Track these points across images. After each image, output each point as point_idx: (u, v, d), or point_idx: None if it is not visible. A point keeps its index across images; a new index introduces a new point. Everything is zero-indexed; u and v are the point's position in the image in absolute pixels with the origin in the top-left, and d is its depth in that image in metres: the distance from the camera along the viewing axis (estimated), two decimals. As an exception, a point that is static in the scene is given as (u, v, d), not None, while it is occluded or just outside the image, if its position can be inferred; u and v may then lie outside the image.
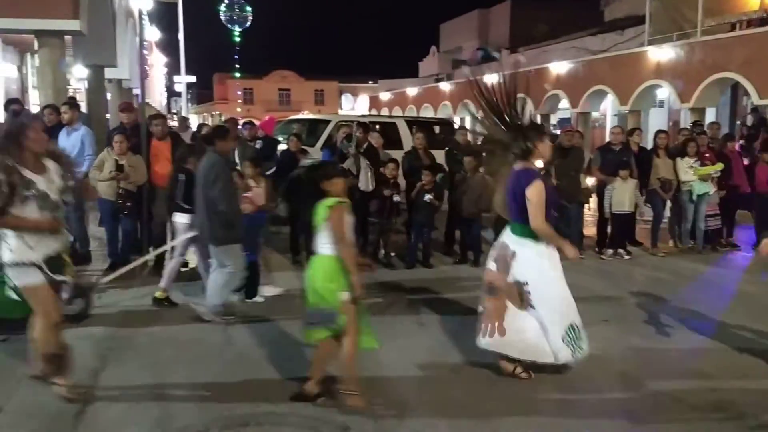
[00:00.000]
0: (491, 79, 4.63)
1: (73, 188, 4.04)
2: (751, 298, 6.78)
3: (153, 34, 29.77)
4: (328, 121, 12.95)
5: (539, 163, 4.55)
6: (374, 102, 47.88)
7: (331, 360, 4.07)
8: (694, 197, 8.81)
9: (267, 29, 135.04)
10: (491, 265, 4.59)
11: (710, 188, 8.80)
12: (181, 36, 27.18)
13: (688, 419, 3.98)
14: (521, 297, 4.40)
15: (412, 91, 41.58)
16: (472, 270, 7.86)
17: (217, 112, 58.78)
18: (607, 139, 10.84)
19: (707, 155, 8.98)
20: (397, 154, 9.25)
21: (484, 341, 4.51)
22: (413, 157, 8.76)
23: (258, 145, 8.54)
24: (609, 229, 8.86)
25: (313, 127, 13.15)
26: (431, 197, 7.90)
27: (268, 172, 8.09)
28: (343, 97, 60.92)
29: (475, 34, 43.97)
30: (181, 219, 6.11)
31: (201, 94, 67.31)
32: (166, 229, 7.78)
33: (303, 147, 8.88)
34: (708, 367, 4.81)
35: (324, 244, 3.95)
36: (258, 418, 3.91)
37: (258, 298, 6.33)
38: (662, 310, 6.27)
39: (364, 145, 8.73)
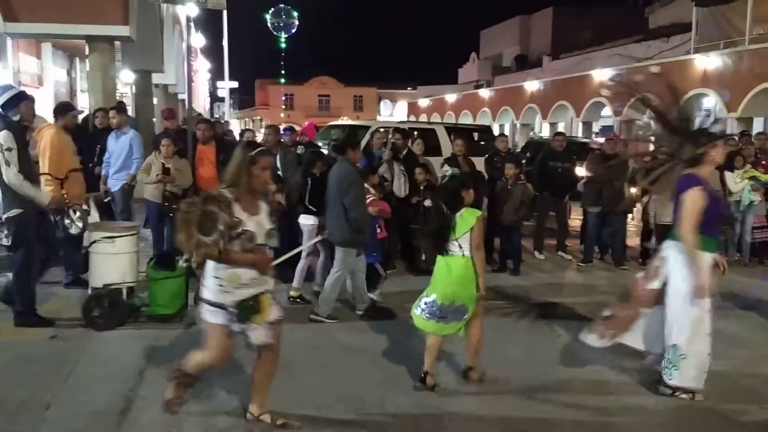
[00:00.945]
0: (652, 79, 4.48)
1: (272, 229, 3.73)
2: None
3: (198, 40, 30.40)
4: (367, 127, 13.01)
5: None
6: (413, 108, 47.93)
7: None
8: (742, 207, 8.58)
9: (308, 36, 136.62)
10: (640, 273, 4.71)
11: (756, 198, 8.58)
12: (225, 42, 27.68)
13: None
14: (655, 299, 4.42)
15: (451, 97, 41.49)
16: (511, 278, 7.80)
17: (258, 118, 59.63)
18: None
19: (764, 163, 8.78)
20: (437, 161, 9.24)
21: (591, 338, 4.66)
22: (452, 164, 8.74)
23: (300, 150, 8.62)
24: (653, 240, 8.68)
25: (353, 132, 13.23)
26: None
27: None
28: (381, 104, 61.10)
29: (516, 40, 43.69)
30: (306, 221, 6.58)
31: (243, 99, 68.45)
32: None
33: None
34: (750, 378, 4.68)
35: (462, 249, 4.33)
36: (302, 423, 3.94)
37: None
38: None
39: (404, 152, 8.75)
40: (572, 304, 6.80)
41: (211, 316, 3.58)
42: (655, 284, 4.41)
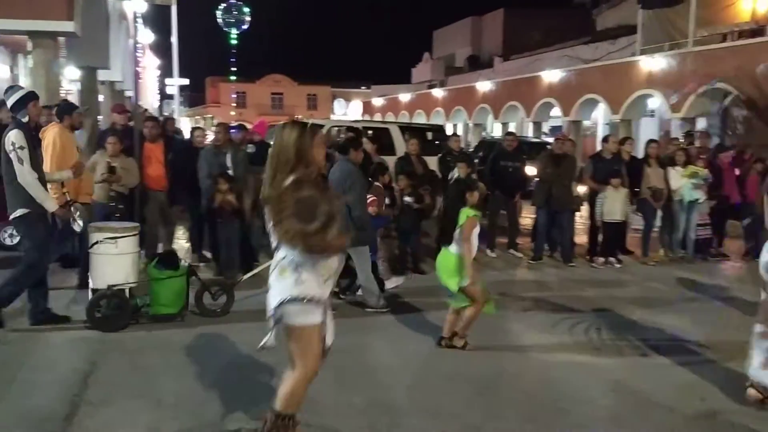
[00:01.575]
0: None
1: None
2: (740, 307, 6.81)
3: (147, 36, 29.65)
4: (320, 126, 12.93)
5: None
6: (367, 107, 47.98)
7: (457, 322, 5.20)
8: (685, 203, 8.87)
9: (260, 33, 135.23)
10: None
11: (700, 195, 8.85)
12: (174, 39, 27.08)
13: (676, 428, 4.00)
14: None
15: (405, 97, 41.68)
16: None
17: (210, 116, 58.68)
18: (599, 148, 10.90)
19: (702, 158, 9.08)
20: (391, 160, 9.26)
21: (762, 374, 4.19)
22: (406, 163, 8.77)
23: (250, 149, 8.52)
24: (600, 238, 8.90)
25: (353, 133, 13.10)
26: (411, 200, 7.88)
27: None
28: (335, 102, 60.99)
29: (468, 41, 44.17)
30: None
31: (193, 97, 67.18)
32: (158, 232, 7.76)
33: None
34: (696, 376, 4.84)
35: (453, 244, 5.00)
36: (252, 425, 3.89)
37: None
38: (652, 319, 6.30)
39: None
40: (522, 299, 6.94)
41: (308, 317, 3.12)
42: None
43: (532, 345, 5.48)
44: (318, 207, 3.03)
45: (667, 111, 20.47)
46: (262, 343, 3.26)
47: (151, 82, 37.96)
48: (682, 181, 8.82)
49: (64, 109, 6.45)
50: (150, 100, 35.80)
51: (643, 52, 22.12)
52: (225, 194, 7.02)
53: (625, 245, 9.33)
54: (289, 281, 3.10)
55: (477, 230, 5.10)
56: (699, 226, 9.11)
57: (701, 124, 19.91)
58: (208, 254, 7.89)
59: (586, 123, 26.08)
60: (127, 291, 5.57)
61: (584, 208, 9.58)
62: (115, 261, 5.49)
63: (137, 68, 10.69)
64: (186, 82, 37.75)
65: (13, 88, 5.56)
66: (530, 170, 10.05)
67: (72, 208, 5.74)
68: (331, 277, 3.21)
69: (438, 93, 37.47)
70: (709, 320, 6.36)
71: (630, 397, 4.43)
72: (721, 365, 5.01)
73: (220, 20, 29.51)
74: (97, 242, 5.49)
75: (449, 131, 20.68)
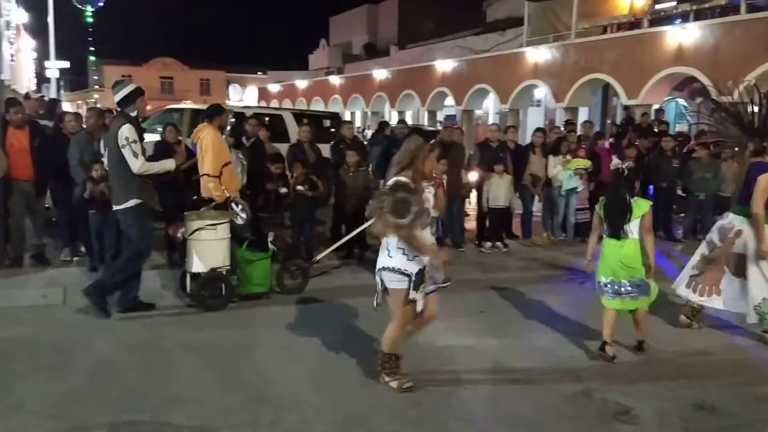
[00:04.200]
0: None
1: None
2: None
3: (20, 16, 27.47)
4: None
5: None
6: (263, 93, 46.99)
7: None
8: (563, 192, 9.28)
9: (148, 13, 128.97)
10: (715, 237, 5.54)
11: (578, 184, 9.28)
12: (51, 18, 25.22)
13: (554, 406, 4.14)
14: (739, 266, 5.32)
15: (302, 83, 41.16)
16: (357, 266, 7.84)
17: (94, 100, 55.38)
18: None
19: (579, 152, 9.49)
20: (284, 147, 9.06)
21: (685, 292, 5.59)
22: (298, 151, 8.60)
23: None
24: (487, 223, 9.14)
25: (196, 117, 12.58)
26: (303, 188, 7.75)
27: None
28: (230, 88, 59.26)
29: (364, 29, 44.21)
30: None
31: (76, 80, 63.19)
32: (24, 225, 7.22)
33: (180, 138, 8.45)
34: (573, 356, 5.04)
35: (632, 233, 4.85)
36: (119, 429, 3.66)
37: None
38: (534, 300, 6.53)
39: (252, 139, 8.48)
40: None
41: (397, 283, 4.08)
42: (736, 249, 5.35)
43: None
44: (410, 206, 3.88)
45: (552, 101, 21.40)
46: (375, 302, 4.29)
47: (26, 64, 35.28)
48: (557, 169, 9.22)
49: (216, 111, 6.66)
50: (26, 84, 33.24)
51: (529, 44, 22.96)
52: (98, 183, 6.57)
53: (510, 230, 9.64)
54: (384, 255, 4.14)
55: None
56: (578, 211, 9.54)
57: (584, 113, 20.99)
58: (83, 248, 7.39)
59: (477, 112, 26.82)
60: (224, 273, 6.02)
61: (473, 195, 9.81)
62: (215, 246, 5.90)
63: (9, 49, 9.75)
64: (66, 64, 35.30)
65: (122, 82, 5.62)
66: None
67: (233, 204, 6.21)
68: (415, 259, 4.06)
69: (335, 80, 37.27)
70: (588, 300, 6.66)
71: (510, 378, 4.55)
72: (592, 342, 5.22)
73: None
74: (198, 229, 5.83)
75: (347, 119, 20.60)
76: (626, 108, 18.37)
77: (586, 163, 9.31)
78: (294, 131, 11.82)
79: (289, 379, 4.44)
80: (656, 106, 17.94)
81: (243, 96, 53.78)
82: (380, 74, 31.91)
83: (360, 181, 8.08)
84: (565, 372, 4.67)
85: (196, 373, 4.52)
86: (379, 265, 4.19)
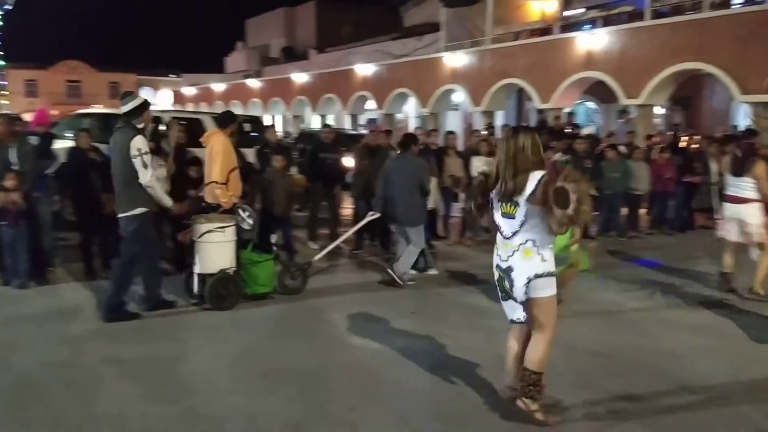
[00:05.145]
0: None
1: None
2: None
3: None
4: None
5: None
6: (178, 97, 45.71)
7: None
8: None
9: (54, 15, 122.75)
10: None
11: (499, 186, 9.56)
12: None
13: (482, 399, 4.24)
14: None
15: (218, 86, 40.30)
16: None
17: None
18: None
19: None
20: (203, 152, 8.82)
21: None
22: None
23: (34, 140, 7.65)
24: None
25: (107, 122, 12.05)
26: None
27: (47, 171, 7.31)
28: (142, 91, 57.17)
29: (282, 32, 43.80)
30: None
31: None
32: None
33: (94, 144, 8.08)
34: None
35: None
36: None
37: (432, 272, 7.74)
38: (465, 299, 6.68)
39: (173, 144, 8.21)
40: (344, 289, 6.99)
41: (551, 289, 3.73)
42: None
43: (353, 335, 5.52)
44: (569, 193, 3.49)
45: (470, 104, 21.92)
46: (513, 317, 3.93)
47: None
48: (481, 169, 9.45)
49: (229, 118, 6.89)
50: None
51: (447, 49, 23.42)
52: (10, 193, 6.20)
53: (436, 231, 9.81)
54: (536, 260, 3.68)
55: None
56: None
57: (500, 117, 21.63)
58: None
59: (399, 116, 27.11)
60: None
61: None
62: (223, 248, 6.07)
63: None
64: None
65: (130, 95, 5.81)
66: (348, 162, 10.16)
67: (240, 210, 6.41)
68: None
69: (254, 83, 36.70)
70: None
71: (444, 377, 4.61)
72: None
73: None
74: (208, 231, 5.99)
75: (268, 122, 20.31)
76: (540, 111, 19.07)
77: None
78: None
79: (223, 390, 4.34)
80: (567, 110, 18.73)
81: (155, 99, 52.03)
82: (300, 78, 31.70)
83: (286, 185, 8.01)
84: (497, 368, 4.78)
85: (121, 388, 4.34)
86: (527, 274, 3.70)
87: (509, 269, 3.77)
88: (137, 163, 5.50)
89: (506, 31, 22.20)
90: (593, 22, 19.14)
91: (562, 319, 4.61)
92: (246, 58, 45.66)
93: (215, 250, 6.04)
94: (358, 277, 7.71)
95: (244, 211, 6.44)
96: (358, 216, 9.32)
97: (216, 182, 6.52)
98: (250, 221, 6.41)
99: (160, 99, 50.62)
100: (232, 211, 6.43)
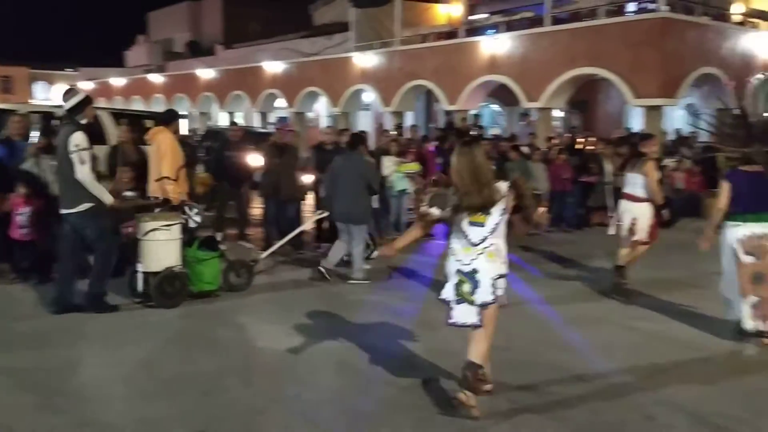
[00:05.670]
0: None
1: None
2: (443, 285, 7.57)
3: None
4: (12, 111, 11.20)
5: None
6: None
7: None
8: (395, 192, 9.68)
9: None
10: (747, 258, 5.28)
11: (408, 185, 9.72)
12: None
13: (393, 398, 4.29)
14: None
15: (118, 81, 38.58)
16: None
17: None
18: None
19: (408, 155, 9.93)
20: (102, 150, 8.41)
21: (750, 324, 5.28)
22: (120, 153, 8.05)
23: None
24: (326, 225, 9.22)
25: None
26: (134, 194, 7.31)
27: None
28: (36, 85, 53.85)
29: (186, 26, 42.47)
30: None
31: None
32: None
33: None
34: (411, 349, 5.26)
35: None
36: None
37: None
38: (370, 298, 6.73)
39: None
40: (253, 289, 6.86)
41: (502, 289, 4.07)
42: None
43: (260, 337, 5.44)
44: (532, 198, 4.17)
45: (380, 105, 22.12)
46: (467, 321, 4.06)
47: None
48: (391, 169, 9.59)
49: (172, 116, 7.26)
50: None
51: (357, 49, 23.49)
52: None
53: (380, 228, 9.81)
54: (498, 262, 4.02)
55: None
56: (410, 210, 9.98)
57: (410, 117, 21.95)
58: None
59: (310, 114, 26.94)
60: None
61: (310, 198, 9.85)
62: (169, 246, 6.07)
63: None
64: None
65: (72, 91, 5.93)
66: (257, 160, 9.99)
67: (186, 207, 6.45)
68: None
69: (156, 79, 35.37)
70: (420, 295, 6.98)
71: (352, 376, 4.64)
72: (433, 336, 5.50)
73: None
74: (152, 229, 5.98)
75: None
76: (447, 113, 19.50)
77: (415, 167, 9.78)
78: (113, 132, 11.05)
79: (120, 398, 4.16)
80: (473, 112, 19.26)
81: (50, 94, 49.16)
82: (206, 74, 30.85)
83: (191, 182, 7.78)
84: (405, 365, 4.86)
85: (12, 399, 4.07)
86: (493, 273, 3.98)
87: (474, 272, 3.98)
88: (74, 158, 5.56)
89: (414, 33, 22.52)
90: (497, 27, 19.74)
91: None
92: (148, 52, 43.87)
93: (161, 248, 6.04)
94: (268, 277, 7.59)
95: (191, 208, 6.50)
96: (267, 216, 9.20)
97: (168, 178, 6.61)
98: (198, 219, 6.49)
99: (55, 94, 47.86)
100: (179, 208, 6.47)
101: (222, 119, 30.05)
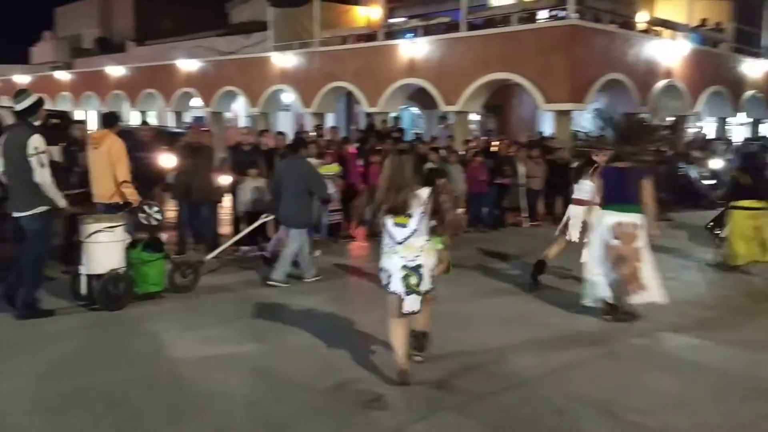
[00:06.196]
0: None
1: None
2: (374, 281, 7.60)
3: None
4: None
5: None
6: (-28, 89, 40.59)
7: None
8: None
9: None
10: (614, 242, 5.96)
11: (330, 187, 9.65)
12: None
13: (309, 403, 4.24)
14: (641, 257, 5.94)
15: (22, 79, 36.46)
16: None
17: None
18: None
19: (327, 157, 9.86)
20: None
21: (636, 298, 5.92)
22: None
23: None
24: (242, 227, 9.03)
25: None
26: None
27: None
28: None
29: (96, 22, 40.68)
30: None
31: None
32: None
33: None
34: (334, 352, 5.23)
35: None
36: None
37: None
38: (293, 302, 6.63)
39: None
40: (172, 296, 6.62)
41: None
42: (639, 243, 5.95)
43: (171, 345, 5.25)
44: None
45: (300, 106, 21.92)
46: (414, 309, 4.54)
47: None
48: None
49: (115, 118, 7.17)
50: None
51: (275, 49, 23.17)
52: None
53: (266, 233, 9.64)
54: (433, 256, 4.63)
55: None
56: (331, 212, 9.92)
57: (331, 119, 21.86)
58: None
59: (228, 115, 26.35)
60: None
61: (227, 199, 9.62)
62: (113, 247, 6.03)
63: None
64: None
65: (24, 92, 5.80)
66: (170, 161, 9.66)
67: (146, 206, 6.55)
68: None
69: (63, 76, 33.68)
70: (346, 297, 6.96)
71: (268, 382, 4.55)
72: (354, 335, 5.48)
73: None
74: (96, 231, 5.94)
75: (80, 118, 18.72)
76: (368, 115, 19.55)
77: (335, 169, 9.73)
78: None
79: (19, 412, 3.91)
80: (393, 114, 19.40)
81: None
82: (117, 71, 29.63)
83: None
84: (323, 368, 4.82)
85: None
86: (431, 267, 4.61)
87: (419, 266, 4.52)
88: (34, 161, 5.53)
89: (334, 34, 22.44)
90: (415, 31, 19.96)
91: (384, 315, 4.76)
92: (54, 48, 41.69)
93: (104, 250, 5.99)
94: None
95: (151, 207, 6.59)
96: (180, 218, 8.92)
97: (126, 182, 6.61)
98: (158, 216, 6.63)
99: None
100: (140, 209, 6.56)
101: (133, 118, 28.94)
